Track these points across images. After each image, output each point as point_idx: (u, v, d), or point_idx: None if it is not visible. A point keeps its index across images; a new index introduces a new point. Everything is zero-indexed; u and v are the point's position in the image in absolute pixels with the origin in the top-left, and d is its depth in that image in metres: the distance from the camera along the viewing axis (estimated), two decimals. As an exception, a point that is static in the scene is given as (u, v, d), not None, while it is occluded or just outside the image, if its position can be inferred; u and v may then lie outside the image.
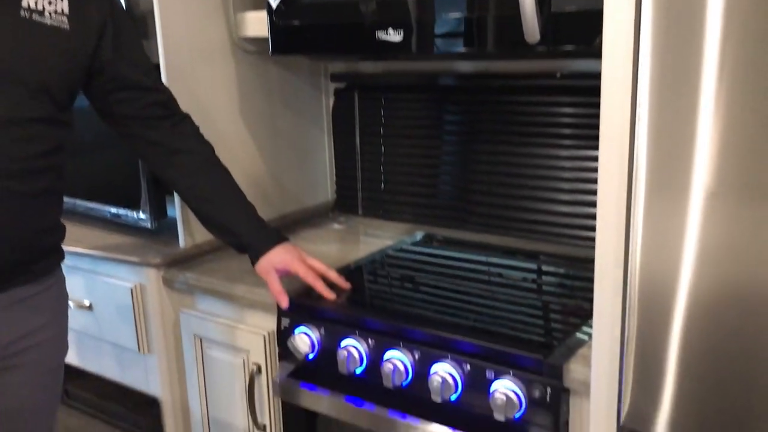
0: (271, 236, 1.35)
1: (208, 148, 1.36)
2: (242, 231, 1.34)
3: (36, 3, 1.08)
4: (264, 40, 1.52)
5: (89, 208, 1.70)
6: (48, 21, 1.09)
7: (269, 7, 1.41)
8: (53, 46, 1.10)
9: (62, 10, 1.11)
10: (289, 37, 1.43)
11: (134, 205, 1.59)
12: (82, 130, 1.64)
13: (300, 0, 1.38)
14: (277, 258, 1.32)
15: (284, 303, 1.30)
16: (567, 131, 1.48)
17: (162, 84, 1.35)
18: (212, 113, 1.55)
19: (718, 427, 0.82)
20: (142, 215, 1.58)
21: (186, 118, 1.35)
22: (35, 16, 1.08)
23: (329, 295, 1.30)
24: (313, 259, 1.34)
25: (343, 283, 1.34)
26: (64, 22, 1.11)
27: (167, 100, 1.32)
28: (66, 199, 1.72)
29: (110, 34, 1.18)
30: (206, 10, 1.52)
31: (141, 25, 1.51)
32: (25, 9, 1.07)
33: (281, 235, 1.37)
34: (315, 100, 1.84)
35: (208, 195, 1.34)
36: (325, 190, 1.91)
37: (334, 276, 1.34)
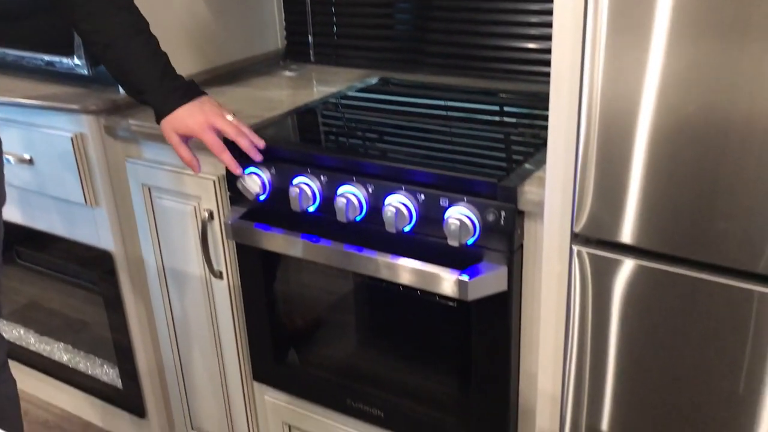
0: (176, 94, 1.18)
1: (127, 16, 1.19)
2: (145, 84, 1.19)
3: None
4: None
5: (20, 56, 1.59)
6: None
7: None
8: None
9: None
10: None
11: (68, 52, 1.49)
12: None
13: None
14: (180, 122, 1.18)
15: (196, 169, 1.22)
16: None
17: None
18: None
19: (688, 225, 0.81)
20: (77, 61, 1.48)
21: None
22: None
23: (255, 155, 1.21)
24: (226, 121, 1.19)
25: (258, 141, 1.21)
26: None
27: None
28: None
29: None
30: None
31: None
32: None
33: (193, 92, 1.20)
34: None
35: (111, 40, 1.18)
36: (276, 37, 1.81)
37: (249, 136, 1.21)
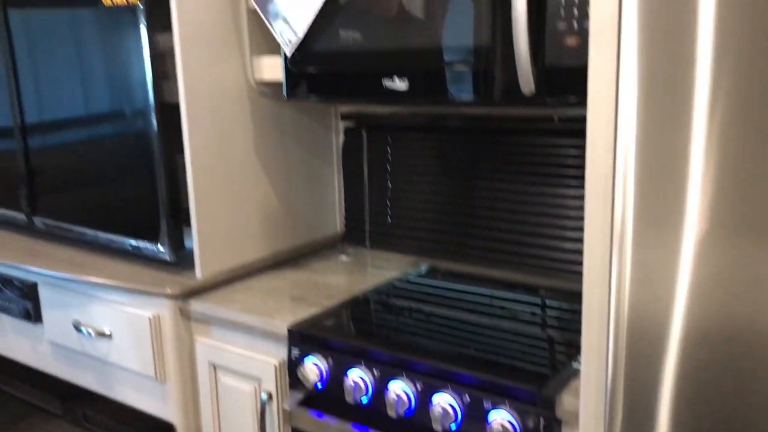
0: None
1: None
2: None
3: None
4: (279, 83, 1.63)
5: (110, 239, 1.79)
6: None
7: (284, 54, 1.50)
8: None
9: None
10: (301, 83, 1.52)
11: (153, 238, 1.68)
12: (102, 161, 1.74)
13: (311, 48, 1.47)
14: None
15: None
16: (565, 171, 1.56)
17: None
18: (230, 150, 1.64)
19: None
20: (161, 248, 1.66)
21: None
22: None
23: None
24: None
25: None
26: None
27: None
28: (88, 231, 1.83)
29: None
30: (224, 54, 1.61)
31: (161, 64, 1.60)
32: None
33: None
34: (325, 137, 1.93)
35: None
36: (334, 223, 1.99)
37: None
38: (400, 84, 1.33)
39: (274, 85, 1.70)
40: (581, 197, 1.55)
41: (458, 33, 1.28)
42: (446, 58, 1.30)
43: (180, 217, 1.64)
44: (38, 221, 2.00)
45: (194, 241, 1.60)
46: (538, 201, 1.62)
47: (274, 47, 1.61)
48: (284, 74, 1.52)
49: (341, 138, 1.94)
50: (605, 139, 0.94)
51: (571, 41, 1.14)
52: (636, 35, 0.85)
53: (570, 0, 1.13)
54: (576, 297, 1.51)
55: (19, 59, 1.90)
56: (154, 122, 1.58)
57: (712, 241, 0.84)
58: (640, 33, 0.85)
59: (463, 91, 1.31)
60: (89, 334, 1.70)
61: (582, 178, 1.53)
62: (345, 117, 1.92)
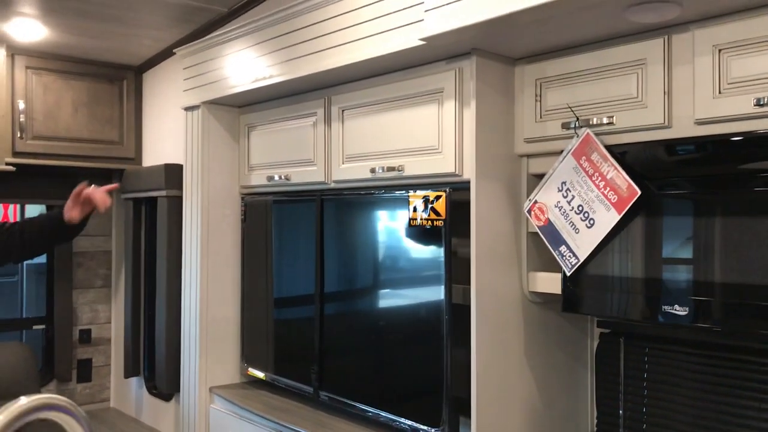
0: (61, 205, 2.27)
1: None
2: (47, 221, 2.31)
3: None
4: (549, 294, 1.87)
5: (390, 419, 2.06)
6: None
7: (564, 274, 1.76)
8: None
9: None
10: (577, 299, 1.75)
11: (434, 423, 1.92)
12: (391, 345, 2.03)
13: (589, 271, 1.71)
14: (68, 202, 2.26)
15: (100, 208, 2.31)
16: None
17: None
18: (504, 349, 1.88)
19: None
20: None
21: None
22: None
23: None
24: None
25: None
26: None
27: None
28: (369, 409, 2.11)
29: None
30: (505, 267, 1.90)
31: (454, 270, 1.91)
32: None
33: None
34: (581, 341, 2.12)
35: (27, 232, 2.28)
36: (585, 422, 2.12)
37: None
38: (680, 311, 1.52)
39: (544, 296, 1.95)
40: None
41: None
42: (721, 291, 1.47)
43: (458, 406, 1.88)
44: (323, 395, 2.34)
45: (473, 429, 1.81)
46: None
47: (543, 264, 1.88)
48: (563, 291, 1.77)
49: (596, 342, 2.12)
50: None
51: None
52: None
53: None
54: None
55: (327, 243, 2.34)
56: (446, 319, 1.88)
57: None
58: None
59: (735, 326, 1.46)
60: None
61: None
62: (601, 323, 2.10)
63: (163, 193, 3.10)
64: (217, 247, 2.76)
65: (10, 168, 3.09)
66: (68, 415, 0.90)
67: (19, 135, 3.12)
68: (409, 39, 1.82)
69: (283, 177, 2.54)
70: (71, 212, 2.25)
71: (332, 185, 2.34)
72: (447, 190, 1.89)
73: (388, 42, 1.89)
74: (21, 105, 3.13)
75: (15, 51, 3.14)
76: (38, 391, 3.29)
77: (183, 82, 2.82)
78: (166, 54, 3.34)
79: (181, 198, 3.10)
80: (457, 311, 1.88)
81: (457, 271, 1.90)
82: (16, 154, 3.12)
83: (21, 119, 3.12)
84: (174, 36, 3.12)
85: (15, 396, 2.84)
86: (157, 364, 3.23)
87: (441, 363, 1.89)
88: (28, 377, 3.24)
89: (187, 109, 2.81)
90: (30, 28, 2.93)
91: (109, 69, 3.43)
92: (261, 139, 2.69)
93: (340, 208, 2.34)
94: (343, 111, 2.27)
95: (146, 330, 3.48)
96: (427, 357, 1.94)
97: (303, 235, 2.46)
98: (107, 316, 3.81)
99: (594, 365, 2.12)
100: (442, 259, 1.89)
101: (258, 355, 2.70)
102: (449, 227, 1.88)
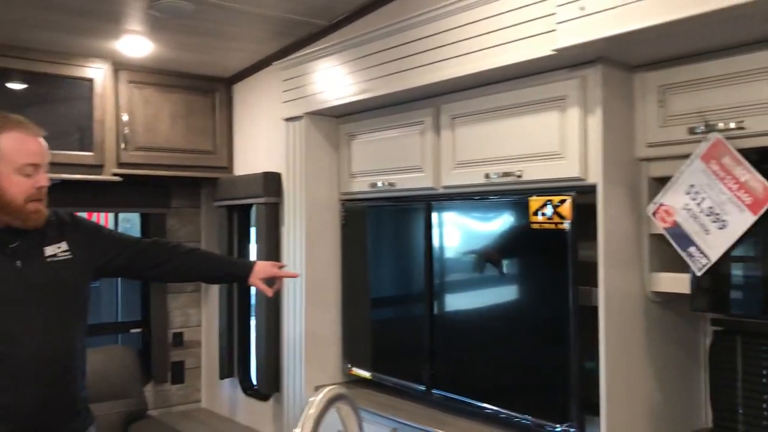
0: (247, 262, 2.32)
1: (180, 247, 2.24)
2: (229, 269, 2.32)
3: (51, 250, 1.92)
4: (671, 294, 1.93)
5: (510, 415, 2.13)
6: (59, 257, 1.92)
7: (693, 274, 1.81)
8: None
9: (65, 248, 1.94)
10: (706, 298, 1.81)
11: (560, 418, 1.98)
12: (512, 345, 2.10)
13: (719, 271, 1.76)
14: (261, 270, 2.24)
15: (270, 294, 2.26)
16: None
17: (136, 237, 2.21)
18: (631, 348, 1.95)
19: None
20: (568, 428, 1.96)
21: (154, 241, 2.26)
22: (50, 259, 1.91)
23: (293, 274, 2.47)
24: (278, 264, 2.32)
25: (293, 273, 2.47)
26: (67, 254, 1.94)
27: (148, 244, 2.19)
28: (487, 406, 2.18)
29: (99, 245, 2.04)
30: (629, 268, 1.96)
31: (580, 273, 1.97)
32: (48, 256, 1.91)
33: (253, 261, 2.32)
34: (695, 338, 2.17)
35: (197, 265, 2.24)
36: (700, 416, 2.16)
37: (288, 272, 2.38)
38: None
39: (664, 295, 2.00)
40: None
41: None
42: None
43: (585, 403, 1.94)
44: (436, 392, 2.41)
45: (602, 428, 1.88)
46: None
47: (663, 265, 1.95)
48: (692, 290, 1.82)
49: (708, 339, 2.16)
50: None
51: None
52: None
53: None
54: None
55: (436, 244, 2.42)
56: (572, 320, 1.95)
57: None
58: None
59: None
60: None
61: None
62: (714, 321, 2.15)
63: (262, 200, 3.22)
64: (319, 252, 2.86)
65: (117, 178, 3.24)
66: (349, 406, 1.19)
67: (123, 146, 3.26)
68: (537, 49, 1.89)
69: (386, 183, 2.62)
70: (257, 280, 2.23)
71: (441, 190, 2.42)
72: (573, 193, 1.96)
73: (514, 52, 1.96)
74: (125, 118, 3.28)
75: (118, 66, 3.29)
76: (142, 392, 3.44)
77: (281, 94, 2.93)
78: (257, 66, 3.46)
79: (277, 204, 3.22)
80: (583, 312, 1.94)
81: (581, 272, 1.96)
82: (121, 165, 3.27)
83: (125, 131, 3.27)
84: (269, 49, 3.24)
85: (123, 397, 2.97)
86: (256, 366, 3.35)
87: (567, 361, 1.96)
88: (133, 378, 3.39)
89: (288, 120, 2.92)
90: (137, 44, 3.08)
91: (202, 81, 3.57)
92: (362, 148, 2.79)
93: (451, 212, 2.42)
94: (453, 119, 2.35)
95: (239, 333, 3.61)
96: (551, 356, 2.01)
97: (409, 237, 2.55)
98: (198, 320, 3.95)
99: (708, 362, 2.17)
100: (568, 260, 1.96)
101: (361, 355, 2.79)
102: (575, 230, 1.95)
